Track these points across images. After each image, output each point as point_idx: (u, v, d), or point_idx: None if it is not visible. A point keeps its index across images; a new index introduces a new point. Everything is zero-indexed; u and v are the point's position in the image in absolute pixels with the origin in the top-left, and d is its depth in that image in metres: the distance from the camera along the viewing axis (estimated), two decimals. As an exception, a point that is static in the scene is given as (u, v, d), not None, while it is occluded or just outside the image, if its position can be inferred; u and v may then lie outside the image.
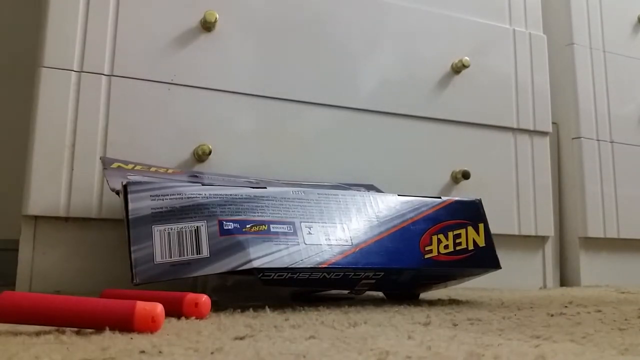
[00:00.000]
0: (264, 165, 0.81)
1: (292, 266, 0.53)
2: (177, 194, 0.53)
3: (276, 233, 0.55)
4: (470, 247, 0.63)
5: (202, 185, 0.55)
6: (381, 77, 0.91)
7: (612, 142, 1.16)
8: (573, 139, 1.13)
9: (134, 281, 0.49)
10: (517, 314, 0.54)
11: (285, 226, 0.55)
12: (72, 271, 0.70)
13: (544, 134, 1.03)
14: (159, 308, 0.37)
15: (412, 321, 0.46)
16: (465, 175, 0.92)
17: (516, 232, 0.98)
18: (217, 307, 0.55)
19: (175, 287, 0.62)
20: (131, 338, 0.35)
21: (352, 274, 0.57)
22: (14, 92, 1.04)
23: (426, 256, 0.60)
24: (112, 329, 0.36)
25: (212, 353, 0.30)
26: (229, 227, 0.53)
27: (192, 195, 0.53)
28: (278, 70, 0.84)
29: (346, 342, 0.34)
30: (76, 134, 0.71)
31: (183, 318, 0.46)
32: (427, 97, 0.94)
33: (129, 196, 0.52)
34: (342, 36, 0.89)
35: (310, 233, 0.56)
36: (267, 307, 0.54)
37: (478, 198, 0.67)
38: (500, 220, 0.97)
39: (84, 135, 0.72)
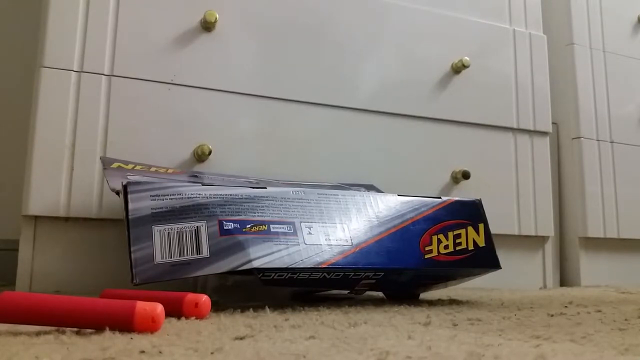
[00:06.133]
0: (264, 165, 0.81)
1: (292, 266, 0.53)
2: (177, 194, 0.53)
3: (276, 233, 0.55)
4: (470, 247, 0.63)
5: (202, 185, 0.55)
6: (381, 77, 0.91)
7: (612, 142, 1.16)
8: (573, 139, 1.13)
9: (134, 281, 0.49)
10: (517, 314, 0.54)
11: (285, 226, 0.55)
12: (72, 271, 0.70)
13: (544, 134, 1.03)
14: (159, 308, 0.37)
15: (412, 321, 0.46)
16: (465, 175, 0.92)
17: (516, 232, 0.98)
18: (217, 307, 0.55)
19: (175, 287, 0.62)
20: (131, 338, 0.35)
21: (352, 274, 0.57)
22: (14, 92, 1.04)
23: (426, 256, 0.60)
24: (112, 329, 0.36)
25: (212, 353, 0.30)
26: (229, 227, 0.53)
27: (192, 195, 0.53)
28: (278, 70, 0.84)
29: (346, 342, 0.34)
30: (76, 134, 0.71)
31: (183, 318, 0.46)
32: (427, 97, 0.94)
33: (129, 196, 0.52)
34: (342, 36, 0.89)
35: (310, 233, 0.56)
36: (267, 307, 0.54)
37: (478, 198, 0.67)
38: (500, 220, 0.97)
39: (84, 135, 0.72)
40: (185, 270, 0.50)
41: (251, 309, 0.53)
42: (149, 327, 0.37)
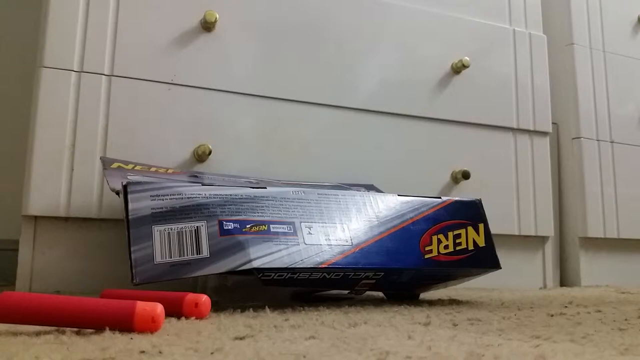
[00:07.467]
0: (264, 165, 0.81)
1: (292, 266, 0.53)
2: (177, 194, 0.53)
3: (276, 233, 0.55)
4: (470, 247, 0.63)
5: (202, 185, 0.55)
6: (381, 77, 0.91)
7: (612, 142, 1.16)
8: (573, 139, 1.13)
9: (134, 281, 0.49)
10: (517, 314, 0.54)
11: (285, 226, 0.55)
12: (72, 271, 0.70)
13: (544, 134, 1.03)
14: (159, 308, 0.37)
15: (412, 321, 0.46)
16: (465, 175, 0.92)
17: (516, 232, 0.98)
18: (217, 307, 0.55)
19: (175, 287, 0.62)
20: (131, 338, 0.35)
21: (352, 274, 0.57)
22: (14, 92, 1.04)
23: (426, 256, 0.60)
24: (112, 329, 0.36)
25: (212, 353, 0.30)
26: (229, 227, 0.53)
27: (192, 196, 0.53)
28: (278, 70, 0.84)
29: (346, 342, 0.34)
30: (76, 134, 0.71)
31: (183, 318, 0.46)
32: (427, 97, 0.94)
33: (129, 196, 0.52)
34: (342, 36, 0.89)
35: (310, 233, 0.56)
36: (267, 307, 0.54)
37: (478, 198, 0.67)
38: (500, 220, 0.97)
39: (84, 135, 0.72)
40: (185, 270, 0.50)
41: (251, 309, 0.53)
42: (149, 327, 0.37)
